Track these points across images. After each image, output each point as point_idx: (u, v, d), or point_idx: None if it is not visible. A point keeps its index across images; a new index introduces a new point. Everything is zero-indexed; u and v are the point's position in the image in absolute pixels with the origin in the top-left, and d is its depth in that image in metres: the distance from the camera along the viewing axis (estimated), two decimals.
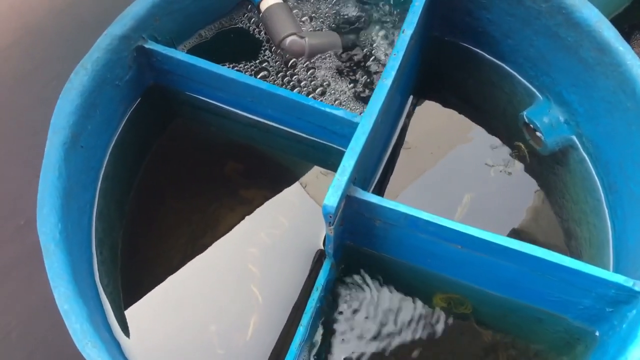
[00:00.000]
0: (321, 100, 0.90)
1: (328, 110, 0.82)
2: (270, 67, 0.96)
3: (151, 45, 0.87)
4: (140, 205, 0.91)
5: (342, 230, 0.79)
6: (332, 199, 0.69)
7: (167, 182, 0.93)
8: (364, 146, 0.74)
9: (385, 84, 0.77)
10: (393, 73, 0.78)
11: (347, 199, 0.74)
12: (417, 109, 1.01)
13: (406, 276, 0.84)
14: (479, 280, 0.80)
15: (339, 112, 0.82)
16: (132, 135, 0.92)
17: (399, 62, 0.79)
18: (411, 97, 1.01)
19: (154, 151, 0.96)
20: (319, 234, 0.86)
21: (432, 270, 0.82)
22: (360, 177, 0.78)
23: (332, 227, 0.72)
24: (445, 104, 1.03)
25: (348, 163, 0.72)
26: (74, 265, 0.70)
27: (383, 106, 0.77)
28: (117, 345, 0.74)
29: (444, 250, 0.76)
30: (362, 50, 0.97)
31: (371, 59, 0.96)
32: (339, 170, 0.71)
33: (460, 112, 1.02)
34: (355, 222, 0.78)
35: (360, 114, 0.87)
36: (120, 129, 0.89)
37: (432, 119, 1.02)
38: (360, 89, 0.93)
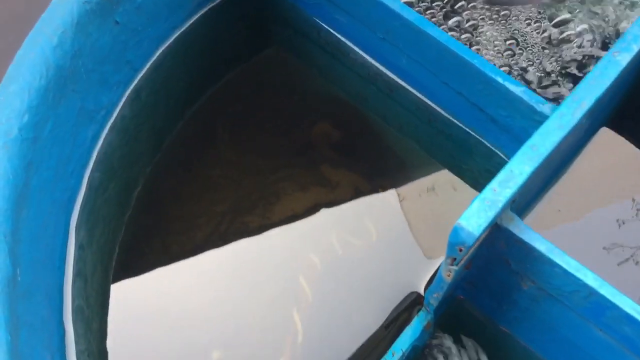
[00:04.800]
0: None
1: (500, 80, 0.50)
2: None
3: None
4: (184, 140, 0.63)
5: (463, 275, 0.47)
6: (475, 220, 0.38)
7: (229, 122, 0.65)
8: (552, 152, 0.42)
9: (617, 61, 0.45)
10: (636, 48, 0.45)
11: (494, 230, 0.42)
12: (604, 145, 0.67)
13: None
14: None
15: (517, 88, 0.50)
16: (204, 42, 0.64)
17: None
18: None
19: (229, 78, 0.68)
20: (419, 269, 0.54)
21: None
22: (518, 205, 0.46)
23: (454, 267, 0.41)
24: None
25: (522, 169, 0.40)
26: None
27: (602, 98, 0.44)
28: (60, 335, 0.46)
29: None
30: (569, 14, 0.64)
31: (579, 27, 0.63)
32: (502, 175, 0.40)
33: None
34: (489, 271, 0.47)
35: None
36: (187, 25, 0.62)
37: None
38: (553, 70, 0.61)
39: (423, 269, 0.54)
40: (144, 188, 0.61)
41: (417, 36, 0.53)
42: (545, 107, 0.48)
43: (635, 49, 0.45)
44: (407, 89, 0.59)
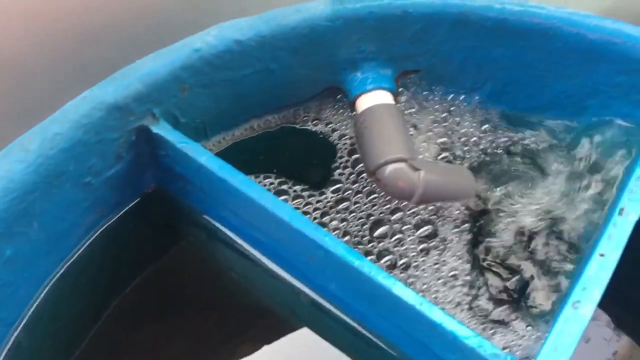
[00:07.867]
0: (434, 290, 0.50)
1: (447, 326, 0.43)
2: (346, 186, 0.58)
3: (162, 129, 0.51)
4: None
5: None
6: None
7: (135, 353, 0.55)
8: None
9: (580, 316, 0.38)
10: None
11: None
12: None
13: None
14: None
15: (469, 334, 0.42)
16: (100, 262, 0.55)
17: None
18: None
19: (134, 288, 0.58)
20: None
21: None
22: None
23: None
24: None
25: None
26: None
27: None
28: None
29: None
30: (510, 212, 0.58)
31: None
32: None
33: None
34: None
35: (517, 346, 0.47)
36: (77, 253, 0.52)
37: None
38: (501, 286, 0.54)
39: None
40: None
41: (344, 268, 0.46)
42: None
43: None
44: (338, 314, 0.51)
